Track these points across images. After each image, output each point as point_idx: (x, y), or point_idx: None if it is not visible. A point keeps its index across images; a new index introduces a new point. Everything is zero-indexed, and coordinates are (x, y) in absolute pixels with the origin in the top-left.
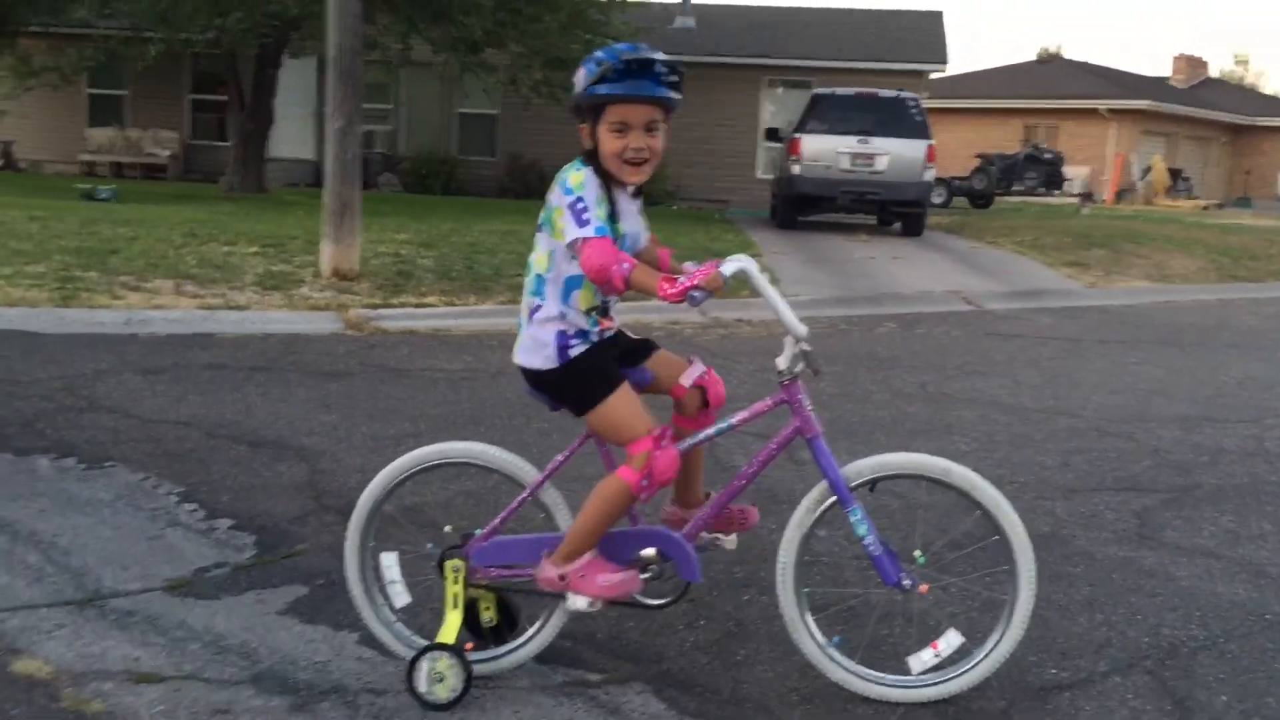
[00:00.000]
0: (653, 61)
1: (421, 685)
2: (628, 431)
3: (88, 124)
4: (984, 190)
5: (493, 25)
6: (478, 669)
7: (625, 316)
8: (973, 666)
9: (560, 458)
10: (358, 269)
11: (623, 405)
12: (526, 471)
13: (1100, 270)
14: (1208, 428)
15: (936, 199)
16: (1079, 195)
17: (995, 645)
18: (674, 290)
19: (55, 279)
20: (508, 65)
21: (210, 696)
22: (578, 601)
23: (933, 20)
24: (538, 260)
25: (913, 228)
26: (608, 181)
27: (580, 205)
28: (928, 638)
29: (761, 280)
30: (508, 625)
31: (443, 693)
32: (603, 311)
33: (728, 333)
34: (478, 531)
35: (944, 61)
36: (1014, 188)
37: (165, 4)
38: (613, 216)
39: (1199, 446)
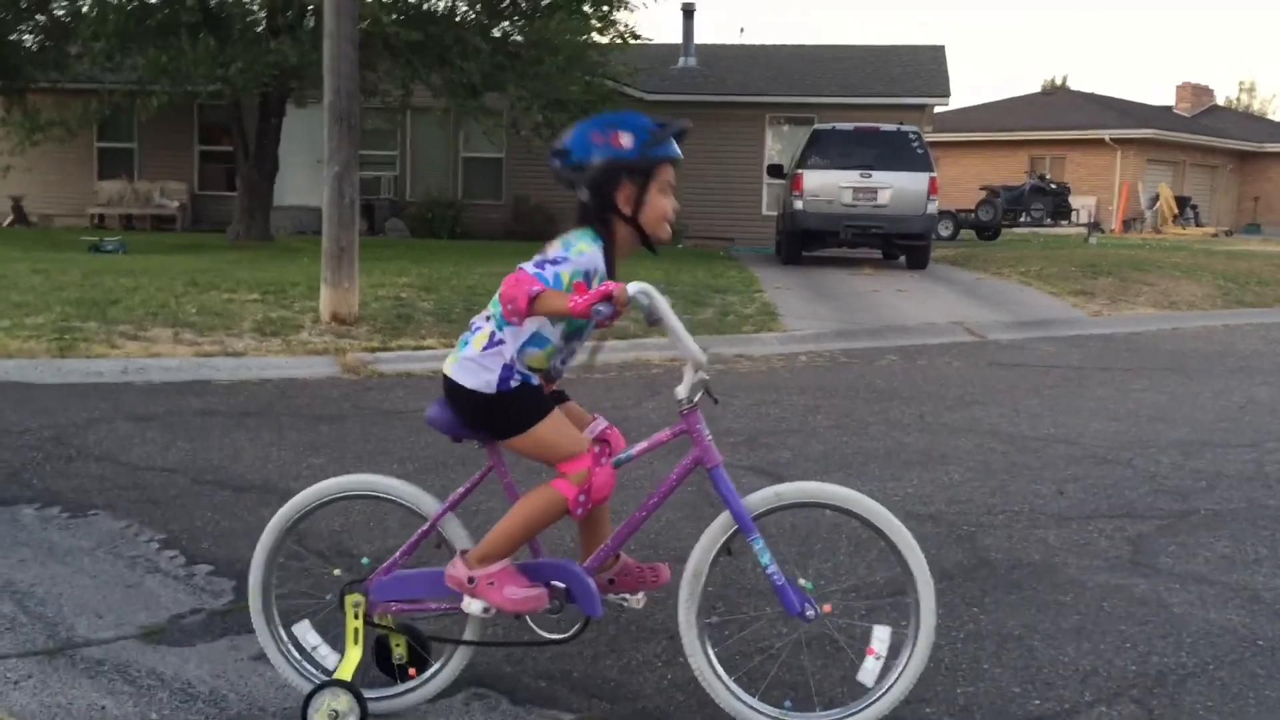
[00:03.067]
0: (683, 131)
1: None
2: (563, 450)
3: (97, 177)
4: (990, 222)
5: (491, 69)
6: (377, 706)
7: (624, 355)
8: (903, 671)
9: (461, 490)
10: (356, 313)
11: (555, 428)
12: (427, 504)
13: (1106, 299)
14: (1207, 453)
15: (944, 231)
16: (1086, 225)
17: (911, 653)
18: (583, 301)
19: (54, 330)
20: (509, 109)
21: None
22: (474, 605)
23: (934, 54)
24: None
25: (917, 261)
26: (611, 258)
27: (558, 261)
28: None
29: (663, 303)
30: (419, 664)
31: None
32: (548, 377)
33: (726, 368)
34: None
35: (947, 95)
36: (1020, 219)
37: (168, 57)
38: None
39: (1198, 472)
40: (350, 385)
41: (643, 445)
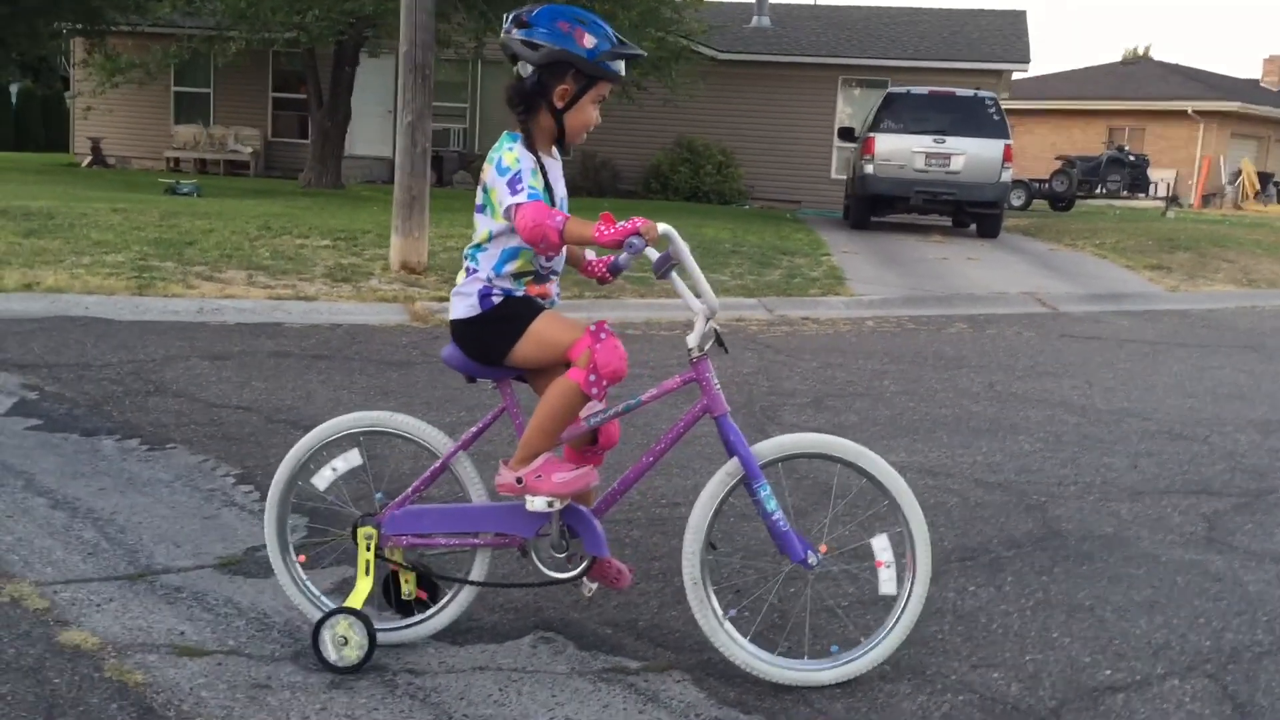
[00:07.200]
0: (635, 57)
1: (328, 649)
2: (563, 342)
3: (174, 121)
4: (1064, 193)
5: None
6: (385, 638)
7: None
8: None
9: (473, 430)
10: (426, 262)
11: (548, 323)
12: (440, 442)
13: (1183, 274)
14: None
15: (1016, 201)
16: (1164, 199)
17: (909, 595)
18: (611, 232)
19: (132, 268)
20: None
21: (251, 671)
22: (536, 503)
23: (1015, 19)
24: (479, 238)
25: (989, 229)
26: (537, 153)
27: (515, 178)
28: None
29: (684, 247)
30: (430, 601)
31: (351, 654)
32: (537, 279)
33: (792, 330)
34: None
35: (1026, 61)
36: (1096, 190)
37: (246, 2)
38: (546, 186)
39: (1276, 451)
40: (419, 333)
41: (652, 392)
